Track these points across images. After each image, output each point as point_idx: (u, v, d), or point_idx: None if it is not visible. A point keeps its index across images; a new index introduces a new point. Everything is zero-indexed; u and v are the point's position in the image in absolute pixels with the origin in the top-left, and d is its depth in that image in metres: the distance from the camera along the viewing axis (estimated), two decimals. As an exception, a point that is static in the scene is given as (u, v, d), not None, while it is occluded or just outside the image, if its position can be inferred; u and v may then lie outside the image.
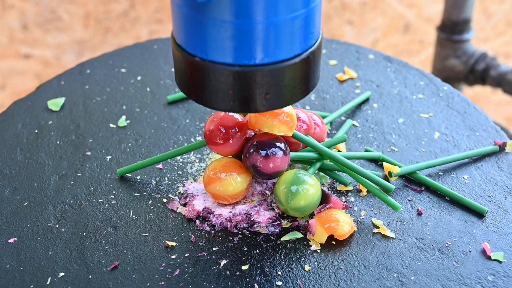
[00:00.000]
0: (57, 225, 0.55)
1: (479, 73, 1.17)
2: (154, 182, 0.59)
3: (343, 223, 0.53)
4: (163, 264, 0.52)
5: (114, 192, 0.59)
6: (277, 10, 0.42)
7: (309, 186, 0.53)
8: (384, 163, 0.59)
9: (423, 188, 0.59)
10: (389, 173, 0.58)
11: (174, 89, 0.72)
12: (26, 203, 0.58)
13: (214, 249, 0.53)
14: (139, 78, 0.74)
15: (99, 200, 0.58)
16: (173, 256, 0.53)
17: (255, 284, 0.50)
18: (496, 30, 1.63)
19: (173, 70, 0.76)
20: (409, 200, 0.58)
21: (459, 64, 1.18)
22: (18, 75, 1.52)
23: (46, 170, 0.61)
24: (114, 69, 0.75)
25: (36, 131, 0.66)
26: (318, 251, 0.53)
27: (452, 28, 1.17)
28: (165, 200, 0.58)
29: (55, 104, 0.70)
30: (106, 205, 0.57)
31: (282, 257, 0.52)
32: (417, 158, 0.62)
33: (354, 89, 0.72)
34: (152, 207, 0.57)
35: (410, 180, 0.60)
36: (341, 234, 0.53)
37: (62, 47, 1.54)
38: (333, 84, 0.73)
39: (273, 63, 0.45)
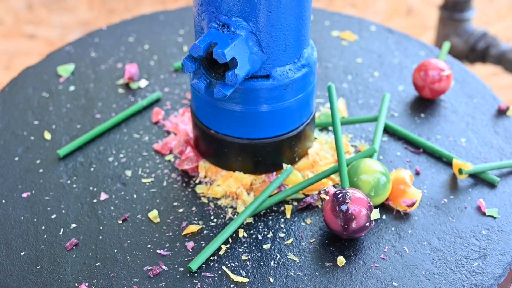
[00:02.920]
0: (69, 182, 0.58)
1: (479, 51, 1.19)
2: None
3: None
4: (171, 217, 0.54)
5: (123, 151, 0.61)
6: (273, 103, 0.52)
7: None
8: (454, 160, 0.57)
9: (421, 150, 0.61)
10: (460, 170, 0.57)
11: (180, 57, 0.74)
12: (38, 161, 0.60)
13: (218, 203, 0.55)
14: (146, 47, 0.76)
15: (109, 159, 0.60)
16: (180, 210, 0.55)
17: (259, 235, 0.53)
18: (499, 14, 1.64)
19: (179, 39, 0.77)
20: (407, 161, 0.60)
21: (460, 42, 1.20)
22: (23, 55, 1.53)
23: (57, 131, 0.63)
24: (121, 38, 0.77)
25: (47, 95, 0.68)
26: (319, 206, 0.55)
27: (454, 7, 1.19)
28: (173, 160, 0.60)
29: (65, 70, 0.72)
30: (116, 163, 0.60)
31: (285, 212, 0.55)
32: (416, 124, 0.64)
33: (355, 58, 0.74)
34: (160, 165, 0.59)
35: (408, 142, 0.62)
36: None
37: (67, 28, 1.56)
38: (335, 54, 0.75)
39: (273, 136, 0.54)
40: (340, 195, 0.50)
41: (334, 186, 0.57)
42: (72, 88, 0.69)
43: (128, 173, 0.58)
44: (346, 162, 0.54)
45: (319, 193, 0.55)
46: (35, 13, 1.56)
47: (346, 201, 0.49)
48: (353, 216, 0.49)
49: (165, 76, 0.71)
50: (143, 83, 0.70)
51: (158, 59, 0.74)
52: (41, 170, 0.59)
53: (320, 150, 0.59)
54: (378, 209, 0.51)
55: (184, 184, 0.57)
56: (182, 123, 0.63)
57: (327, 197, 0.51)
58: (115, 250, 0.51)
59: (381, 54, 0.75)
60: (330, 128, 0.64)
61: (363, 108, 0.67)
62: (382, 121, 0.61)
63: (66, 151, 0.60)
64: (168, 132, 0.63)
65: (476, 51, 1.19)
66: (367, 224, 0.50)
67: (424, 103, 0.67)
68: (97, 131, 0.62)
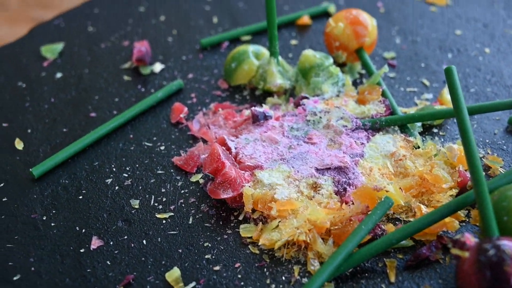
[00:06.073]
0: (45, 218, 0.38)
1: None
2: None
3: None
4: (202, 281, 0.34)
5: (128, 168, 0.41)
6: None
7: None
8: None
9: None
10: None
11: (209, 31, 0.54)
12: (2, 184, 0.40)
13: (277, 255, 0.35)
14: (162, 18, 0.56)
15: (107, 181, 0.40)
16: (217, 268, 0.34)
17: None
18: None
19: (206, 8, 0.57)
20: None
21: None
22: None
23: (33, 138, 0.44)
24: (129, 8, 0.57)
25: (24, 85, 0.48)
26: (441, 261, 0.34)
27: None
28: (202, 182, 0.40)
29: (50, 50, 0.52)
30: (117, 187, 0.40)
31: (387, 271, 0.34)
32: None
33: (453, 30, 0.53)
34: (183, 191, 0.39)
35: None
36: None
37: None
38: (423, 24, 0.54)
39: None
40: (491, 251, 0.29)
41: (459, 226, 0.36)
42: (59, 75, 0.49)
43: (135, 203, 0.38)
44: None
45: (440, 240, 0.34)
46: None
47: (506, 263, 0.29)
48: None
49: (189, 57, 0.51)
50: (157, 67, 0.50)
51: (179, 34, 0.54)
52: (4, 199, 0.39)
53: (430, 167, 0.38)
54: None
55: (221, 223, 0.37)
56: (215, 124, 0.43)
57: (464, 254, 0.30)
58: None
59: (487, 23, 0.54)
60: (436, 130, 0.43)
61: (478, 100, 0.46)
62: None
63: (44, 169, 0.40)
64: (195, 139, 0.43)
65: None
66: None
67: None
68: (90, 137, 0.42)
